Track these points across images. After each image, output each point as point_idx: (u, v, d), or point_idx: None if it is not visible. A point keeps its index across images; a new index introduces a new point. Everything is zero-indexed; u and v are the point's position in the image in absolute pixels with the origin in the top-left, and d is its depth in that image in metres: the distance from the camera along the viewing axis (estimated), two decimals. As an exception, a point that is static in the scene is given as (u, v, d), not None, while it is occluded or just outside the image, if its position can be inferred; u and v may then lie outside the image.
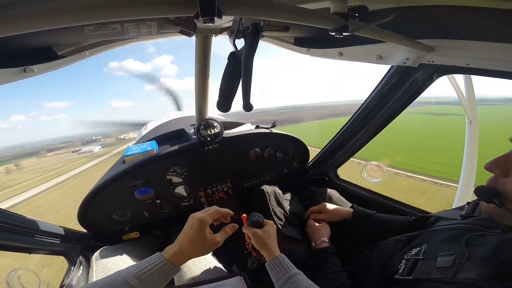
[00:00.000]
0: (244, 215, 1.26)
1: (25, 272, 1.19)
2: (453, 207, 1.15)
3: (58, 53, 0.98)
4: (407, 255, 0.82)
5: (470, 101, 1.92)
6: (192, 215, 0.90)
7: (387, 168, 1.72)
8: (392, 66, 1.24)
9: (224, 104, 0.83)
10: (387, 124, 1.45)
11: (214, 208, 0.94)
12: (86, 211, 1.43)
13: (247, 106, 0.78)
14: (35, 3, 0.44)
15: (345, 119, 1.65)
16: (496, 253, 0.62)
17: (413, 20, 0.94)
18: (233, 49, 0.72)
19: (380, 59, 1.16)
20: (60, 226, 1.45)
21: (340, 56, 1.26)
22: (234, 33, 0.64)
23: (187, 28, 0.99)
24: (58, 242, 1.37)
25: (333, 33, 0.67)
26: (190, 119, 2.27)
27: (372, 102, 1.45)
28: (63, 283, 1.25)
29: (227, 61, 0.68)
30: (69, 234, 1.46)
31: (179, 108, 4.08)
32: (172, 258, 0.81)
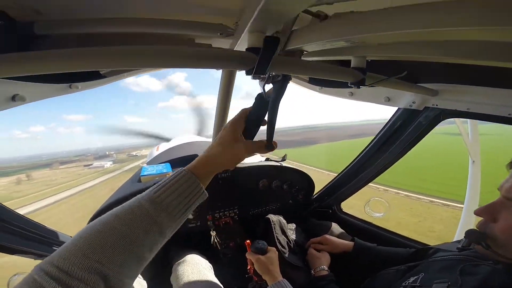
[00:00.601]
0: (248, 241, 1.33)
1: None
2: (454, 240, 1.20)
3: (101, 73, 1.07)
4: (405, 283, 0.87)
5: (474, 142, 2.01)
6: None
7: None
8: (399, 108, 1.33)
9: (250, 135, 0.86)
10: (393, 164, 1.52)
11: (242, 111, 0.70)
12: None
13: (269, 147, 0.78)
14: (100, 47, 0.51)
15: (362, 141, 1.70)
16: (487, 281, 0.68)
17: (420, 65, 1.03)
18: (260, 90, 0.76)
19: (388, 101, 1.25)
20: (66, 235, 1.48)
21: (351, 95, 1.35)
22: (265, 80, 0.69)
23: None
24: None
25: (352, 86, 0.77)
26: (202, 145, 2.35)
27: (378, 142, 1.52)
28: None
29: (254, 101, 0.73)
30: None
31: (200, 133, 4.05)
32: (196, 166, 0.62)
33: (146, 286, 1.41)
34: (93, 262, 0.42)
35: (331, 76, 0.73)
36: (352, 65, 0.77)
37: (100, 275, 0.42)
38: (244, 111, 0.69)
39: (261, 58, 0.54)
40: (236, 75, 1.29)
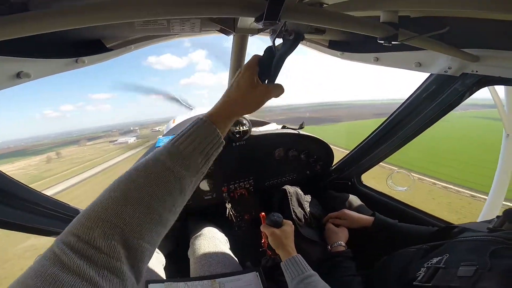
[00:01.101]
0: (263, 213, 1.29)
1: None
2: (479, 220, 1.12)
3: (107, 46, 1.03)
4: (428, 263, 0.82)
5: (510, 114, 1.84)
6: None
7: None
8: (431, 74, 1.20)
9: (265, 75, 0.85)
10: (420, 133, 1.41)
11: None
12: None
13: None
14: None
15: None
16: None
17: (459, 29, 0.91)
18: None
19: (419, 66, 1.12)
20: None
21: (377, 61, 1.22)
22: (276, 33, 0.65)
23: (227, 27, 1.02)
24: None
25: (382, 41, 0.67)
26: None
27: (406, 109, 1.41)
28: None
29: (262, 52, 0.69)
30: None
31: (190, 107, 4.22)
32: (214, 114, 0.59)
33: (164, 261, 1.45)
34: (111, 226, 0.40)
35: (359, 29, 0.64)
36: (381, 20, 0.67)
37: (118, 241, 0.40)
38: (255, 57, 0.66)
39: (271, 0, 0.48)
40: (250, 43, 1.21)
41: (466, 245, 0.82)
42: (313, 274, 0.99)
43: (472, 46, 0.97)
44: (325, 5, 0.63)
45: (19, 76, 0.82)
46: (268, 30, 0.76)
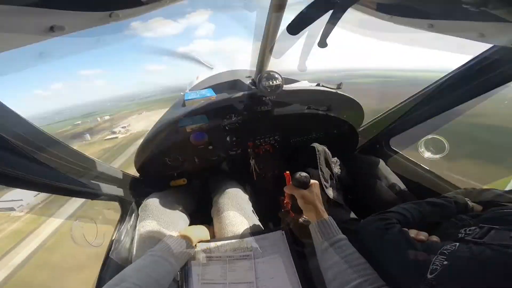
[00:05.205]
0: (287, 172, 1.21)
1: (88, 222, 1.28)
2: None
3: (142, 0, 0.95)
4: (481, 225, 0.81)
5: None
6: None
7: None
8: (494, 46, 1.08)
9: (296, 28, 0.79)
10: (464, 102, 1.32)
11: None
12: (143, 152, 1.51)
13: (323, 43, 0.86)
14: None
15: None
16: None
17: None
18: None
19: (481, 37, 1.00)
20: (116, 168, 1.49)
21: (431, 28, 1.07)
22: None
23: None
24: (115, 187, 1.45)
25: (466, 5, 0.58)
26: (241, 73, 2.24)
27: (455, 77, 1.30)
28: (116, 231, 1.36)
29: None
30: (124, 178, 1.53)
31: (210, 66, 4.02)
32: None
33: (189, 220, 1.50)
34: None
35: None
36: None
37: None
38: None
39: None
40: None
41: None
42: (344, 238, 0.97)
43: None
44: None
45: (53, 29, 0.78)
46: None
